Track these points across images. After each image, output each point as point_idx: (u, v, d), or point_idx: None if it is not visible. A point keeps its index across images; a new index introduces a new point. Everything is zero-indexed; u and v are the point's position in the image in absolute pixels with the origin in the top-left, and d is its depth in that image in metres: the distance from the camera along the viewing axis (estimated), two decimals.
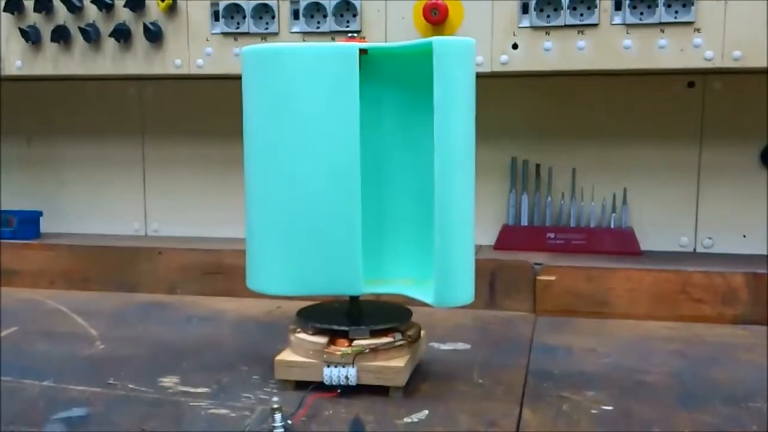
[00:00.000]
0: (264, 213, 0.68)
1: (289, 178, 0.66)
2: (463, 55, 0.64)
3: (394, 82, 0.70)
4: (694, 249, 1.06)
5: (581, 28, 0.93)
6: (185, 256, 1.07)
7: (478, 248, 1.06)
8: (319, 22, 1.00)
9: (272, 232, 0.68)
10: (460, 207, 0.64)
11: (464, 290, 0.66)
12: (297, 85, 0.66)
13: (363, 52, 0.67)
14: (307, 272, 0.67)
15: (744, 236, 1.04)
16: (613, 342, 0.84)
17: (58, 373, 0.73)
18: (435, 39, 0.63)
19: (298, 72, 0.66)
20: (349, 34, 0.71)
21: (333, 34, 0.98)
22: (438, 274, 0.64)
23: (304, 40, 0.99)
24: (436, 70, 0.62)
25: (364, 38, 0.70)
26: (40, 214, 1.19)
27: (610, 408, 0.65)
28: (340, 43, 0.67)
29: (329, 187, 0.66)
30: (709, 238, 1.05)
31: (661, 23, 0.90)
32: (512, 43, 0.95)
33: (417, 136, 0.70)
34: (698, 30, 0.90)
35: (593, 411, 0.64)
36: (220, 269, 1.06)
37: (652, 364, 0.77)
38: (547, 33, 0.94)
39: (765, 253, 1.03)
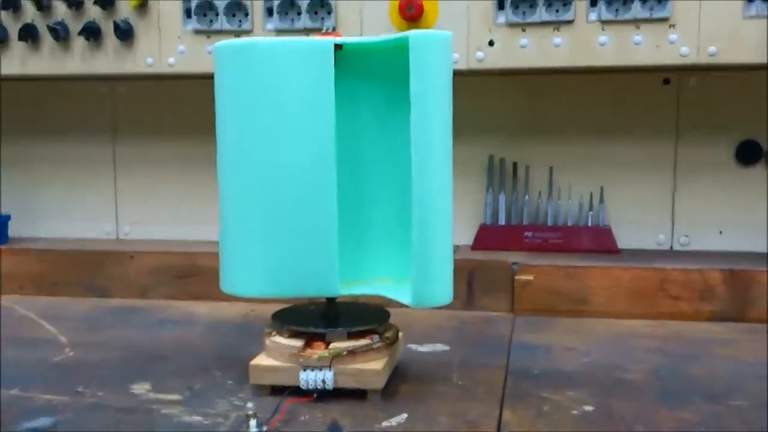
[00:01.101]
0: (237, 212, 0.67)
1: (263, 177, 0.65)
2: (440, 49, 0.62)
3: (371, 78, 0.69)
4: (671, 247, 1.06)
5: (557, 24, 0.92)
6: (157, 259, 1.05)
7: (456, 248, 1.05)
8: (293, 20, 0.98)
9: (246, 232, 0.66)
10: (438, 203, 0.63)
11: (443, 290, 0.65)
12: (270, 81, 0.64)
13: (338, 47, 0.66)
14: (282, 273, 0.65)
15: (720, 233, 1.04)
16: (592, 340, 0.84)
17: (25, 381, 0.71)
18: (411, 32, 0.62)
19: (271, 67, 0.64)
20: (325, 29, 0.70)
21: (308, 32, 0.97)
22: (416, 273, 0.63)
23: None
24: (412, 63, 0.61)
25: (339, 34, 0.69)
26: (8, 218, 1.16)
27: (591, 408, 0.64)
28: (315, 38, 0.65)
29: (304, 185, 0.65)
30: (686, 236, 1.05)
31: (636, 19, 0.90)
32: (488, 39, 0.94)
33: (394, 133, 0.68)
34: (673, 26, 0.90)
35: (574, 412, 0.63)
36: (193, 272, 1.04)
37: (632, 362, 0.76)
38: (523, 30, 0.93)
39: (741, 249, 1.03)
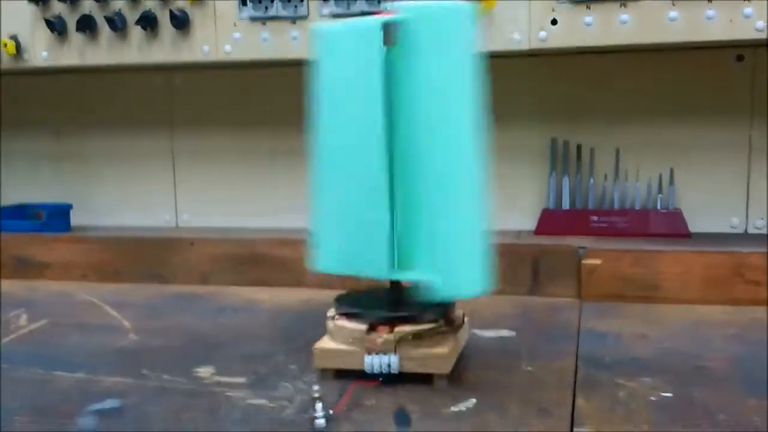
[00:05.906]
0: (319, 193, 0.66)
1: (334, 161, 0.65)
2: (454, 22, 0.60)
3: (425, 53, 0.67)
4: (746, 230, 1.01)
5: (624, 1, 0.88)
6: (217, 247, 1.05)
7: (518, 233, 1.03)
8: (348, 3, 0.97)
9: (323, 212, 0.66)
10: (456, 184, 0.60)
11: (470, 280, 0.61)
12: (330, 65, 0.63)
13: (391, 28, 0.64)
14: (347, 253, 0.64)
15: None
16: (665, 327, 0.80)
17: (91, 365, 0.71)
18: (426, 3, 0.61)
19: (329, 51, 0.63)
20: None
21: (364, 15, 0.95)
22: (438, 261, 0.61)
23: None
24: (423, 37, 0.60)
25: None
26: (70, 207, 1.18)
27: (670, 395, 0.61)
28: (365, 18, 0.64)
29: (360, 167, 0.63)
30: (762, 219, 1.00)
31: None
32: (551, 18, 0.91)
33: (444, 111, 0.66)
34: None
35: (652, 398, 0.60)
36: (253, 259, 1.03)
37: (710, 350, 0.73)
38: (588, 7, 0.90)
39: None
